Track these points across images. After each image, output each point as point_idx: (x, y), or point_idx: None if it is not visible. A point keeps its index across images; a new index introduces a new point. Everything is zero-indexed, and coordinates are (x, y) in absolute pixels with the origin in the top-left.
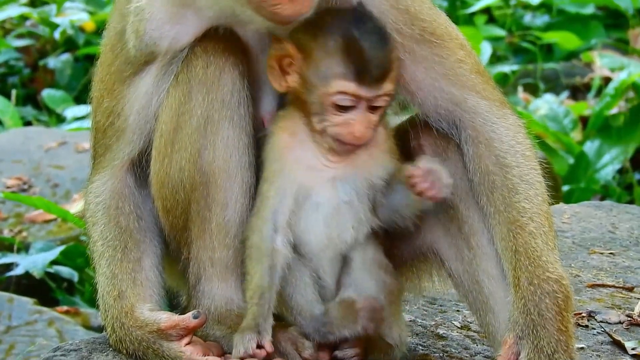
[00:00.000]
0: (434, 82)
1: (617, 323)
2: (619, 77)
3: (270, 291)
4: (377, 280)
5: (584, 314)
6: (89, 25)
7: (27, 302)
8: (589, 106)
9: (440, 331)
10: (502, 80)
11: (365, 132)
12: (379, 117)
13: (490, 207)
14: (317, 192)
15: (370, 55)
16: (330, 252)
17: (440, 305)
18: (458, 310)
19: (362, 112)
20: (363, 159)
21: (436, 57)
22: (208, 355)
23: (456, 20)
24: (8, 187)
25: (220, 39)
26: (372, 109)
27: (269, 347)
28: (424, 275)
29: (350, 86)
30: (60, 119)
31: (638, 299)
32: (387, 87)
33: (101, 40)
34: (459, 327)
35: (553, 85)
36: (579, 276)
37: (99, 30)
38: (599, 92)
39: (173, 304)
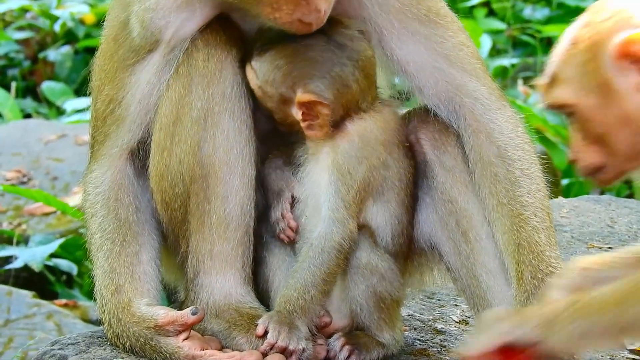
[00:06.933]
0: (435, 62)
1: None
2: None
3: None
4: (367, 286)
5: None
6: (89, 17)
7: (26, 295)
8: None
9: (438, 325)
10: (502, 74)
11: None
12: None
13: (492, 199)
14: None
15: None
16: None
17: (439, 300)
18: (456, 305)
19: None
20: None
21: (438, 38)
22: (206, 349)
23: (456, 12)
24: (7, 180)
25: (222, 32)
26: None
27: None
28: (426, 270)
29: None
30: (60, 112)
31: None
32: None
33: (102, 32)
34: (457, 322)
35: None
36: None
37: (99, 23)
38: None
39: (172, 300)
